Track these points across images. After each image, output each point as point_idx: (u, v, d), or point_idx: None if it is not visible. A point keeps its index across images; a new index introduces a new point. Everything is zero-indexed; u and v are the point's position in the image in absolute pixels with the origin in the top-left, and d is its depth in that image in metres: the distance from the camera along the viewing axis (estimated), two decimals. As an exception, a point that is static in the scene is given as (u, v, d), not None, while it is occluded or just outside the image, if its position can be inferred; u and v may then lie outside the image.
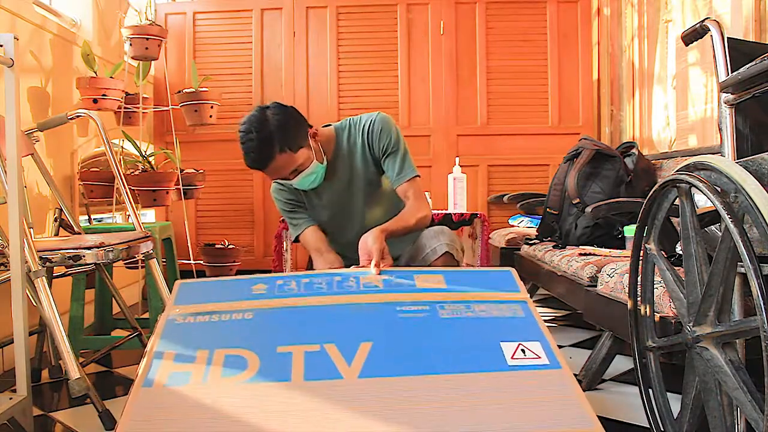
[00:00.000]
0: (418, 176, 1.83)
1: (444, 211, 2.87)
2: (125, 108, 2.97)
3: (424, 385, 1.22)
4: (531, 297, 2.93)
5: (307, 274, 1.55)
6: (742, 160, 1.15)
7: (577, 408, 1.24)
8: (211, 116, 3.19)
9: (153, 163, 2.86)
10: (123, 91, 2.83)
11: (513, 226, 3.49)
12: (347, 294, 1.46)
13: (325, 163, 1.77)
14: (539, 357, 1.29)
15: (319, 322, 1.38)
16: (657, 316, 1.39)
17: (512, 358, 1.29)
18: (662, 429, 1.33)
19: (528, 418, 1.18)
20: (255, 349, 1.29)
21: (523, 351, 1.31)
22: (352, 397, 1.17)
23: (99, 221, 3.03)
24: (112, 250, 1.71)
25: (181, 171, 3.00)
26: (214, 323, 1.38)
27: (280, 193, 1.89)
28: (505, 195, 3.65)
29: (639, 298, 1.41)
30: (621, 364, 2.04)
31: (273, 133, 1.64)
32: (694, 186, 1.10)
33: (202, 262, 3.29)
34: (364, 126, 1.83)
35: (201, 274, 3.32)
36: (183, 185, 2.96)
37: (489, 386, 1.23)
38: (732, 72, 1.26)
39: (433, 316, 1.40)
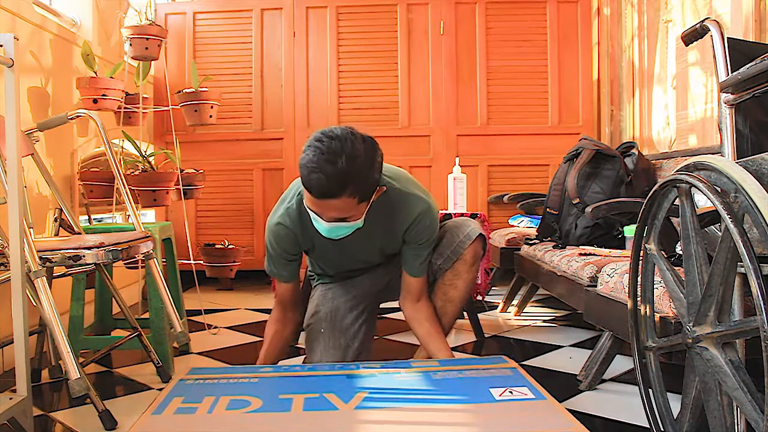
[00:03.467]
0: None
1: (444, 211, 2.87)
2: (125, 108, 2.97)
3: (417, 412, 1.34)
4: (531, 297, 2.97)
5: (312, 365, 1.73)
6: (742, 160, 1.15)
7: (558, 414, 1.32)
8: (211, 116, 3.18)
9: (153, 163, 2.86)
10: (123, 91, 2.83)
11: (513, 226, 3.49)
12: (348, 369, 1.63)
13: (362, 223, 1.59)
14: (526, 395, 1.40)
15: (320, 381, 1.54)
16: (657, 316, 1.39)
17: (499, 396, 1.40)
18: (662, 429, 1.33)
19: (513, 423, 1.28)
20: (258, 395, 1.43)
21: (510, 392, 1.41)
22: (349, 421, 1.30)
23: (99, 221, 3.03)
24: (112, 250, 1.71)
25: (181, 171, 3.00)
26: (221, 383, 1.53)
27: (279, 240, 1.71)
28: (505, 195, 3.65)
29: (639, 298, 1.41)
30: (621, 364, 2.04)
31: (360, 174, 1.44)
32: (694, 186, 1.10)
33: (202, 262, 3.29)
34: (412, 213, 1.69)
35: (201, 274, 3.32)
36: (183, 185, 2.96)
37: (478, 409, 1.34)
38: (732, 72, 1.26)
39: (426, 376, 1.56)
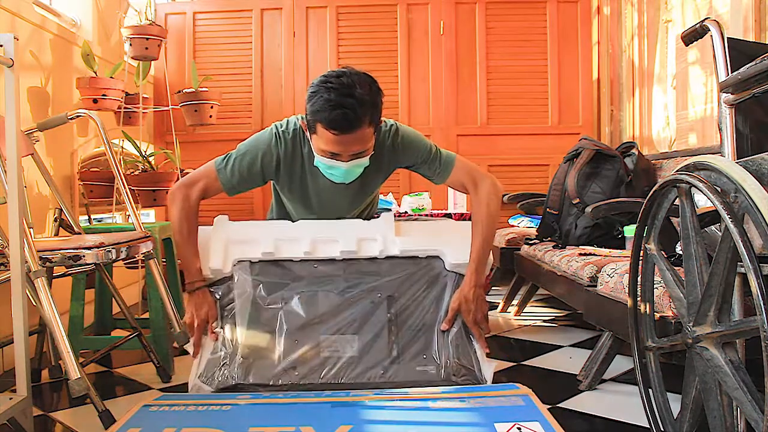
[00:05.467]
0: (455, 156, 1.76)
1: (444, 211, 2.88)
2: (125, 108, 2.97)
3: None
4: (531, 297, 2.97)
5: (297, 393, 1.53)
6: (742, 160, 1.14)
7: None
8: (211, 116, 3.19)
9: (153, 163, 2.86)
10: (123, 91, 2.83)
11: (513, 226, 3.49)
12: (336, 396, 1.46)
13: (368, 162, 1.63)
14: None
15: (298, 411, 1.36)
16: (657, 316, 1.39)
17: None
18: (662, 429, 1.33)
19: None
20: (224, 428, 1.27)
21: (518, 429, 1.24)
22: None
23: (99, 221, 3.03)
24: (112, 250, 1.71)
25: (181, 171, 2.99)
26: (188, 412, 1.37)
27: (264, 158, 1.70)
28: (505, 195, 3.64)
29: (639, 298, 1.41)
30: (621, 364, 2.03)
31: (374, 101, 1.52)
32: (694, 186, 1.10)
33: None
34: (401, 140, 1.71)
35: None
36: (183, 185, 2.95)
37: None
38: (732, 72, 1.26)
39: (422, 406, 1.37)
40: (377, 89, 1.56)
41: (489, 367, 1.60)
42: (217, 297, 1.68)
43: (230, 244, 1.73)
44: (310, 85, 1.55)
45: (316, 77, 1.57)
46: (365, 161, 1.61)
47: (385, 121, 1.72)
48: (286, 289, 1.67)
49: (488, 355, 1.66)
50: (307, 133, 1.64)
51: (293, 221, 1.86)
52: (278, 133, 1.71)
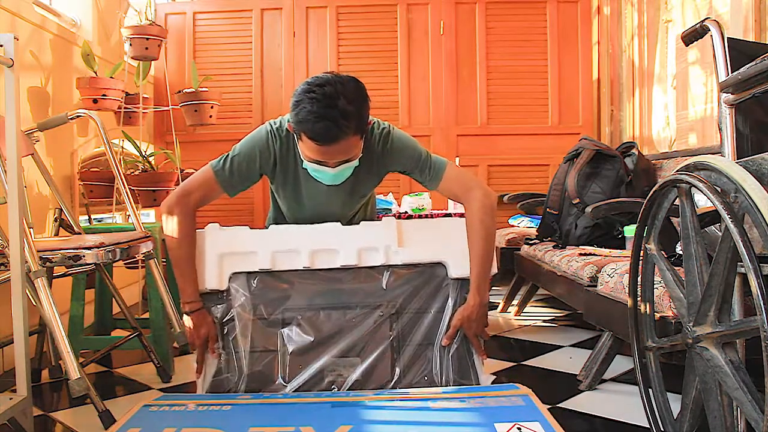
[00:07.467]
0: (447, 162, 1.71)
1: (444, 211, 2.88)
2: (125, 108, 2.97)
3: None
4: (531, 297, 2.97)
5: (297, 393, 1.53)
6: (742, 160, 1.15)
7: None
8: (211, 116, 3.19)
9: (153, 163, 2.86)
10: (123, 91, 2.83)
11: (513, 226, 3.49)
12: (335, 396, 1.45)
13: (359, 162, 1.60)
14: None
15: (298, 411, 1.36)
16: (657, 316, 1.39)
17: None
18: (662, 429, 1.33)
19: None
20: (225, 428, 1.27)
21: (518, 429, 1.23)
22: None
23: (99, 221, 3.03)
24: (112, 250, 1.71)
25: (181, 171, 3.00)
26: (188, 412, 1.37)
27: (261, 155, 1.65)
28: (505, 195, 3.65)
29: (639, 298, 1.41)
30: (621, 364, 2.04)
31: (359, 111, 1.47)
32: (694, 186, 1.10)
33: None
34: (391, 144, 1.68)
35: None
36: (183, 185, 2.95)
37: None
38: (732, 72, 1.26)
39: (422, 406, 1.36)
40: (363, 97, 1.51)
41: (487, 381, 1.61)
42: (216, 316, 1.63)
43: (225, 256, 1.67)
44: (294, 91, 1.51)
45: (315, 74, 1.54)
46: (353, 164, 1.59)
47: (378, 123, 1.69)
48: (287, 305, 1.64)
49: (488, 356, 1.67)
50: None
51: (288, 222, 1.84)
52: (273, 131, 1.69)
